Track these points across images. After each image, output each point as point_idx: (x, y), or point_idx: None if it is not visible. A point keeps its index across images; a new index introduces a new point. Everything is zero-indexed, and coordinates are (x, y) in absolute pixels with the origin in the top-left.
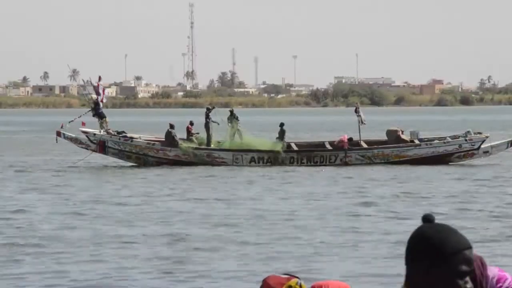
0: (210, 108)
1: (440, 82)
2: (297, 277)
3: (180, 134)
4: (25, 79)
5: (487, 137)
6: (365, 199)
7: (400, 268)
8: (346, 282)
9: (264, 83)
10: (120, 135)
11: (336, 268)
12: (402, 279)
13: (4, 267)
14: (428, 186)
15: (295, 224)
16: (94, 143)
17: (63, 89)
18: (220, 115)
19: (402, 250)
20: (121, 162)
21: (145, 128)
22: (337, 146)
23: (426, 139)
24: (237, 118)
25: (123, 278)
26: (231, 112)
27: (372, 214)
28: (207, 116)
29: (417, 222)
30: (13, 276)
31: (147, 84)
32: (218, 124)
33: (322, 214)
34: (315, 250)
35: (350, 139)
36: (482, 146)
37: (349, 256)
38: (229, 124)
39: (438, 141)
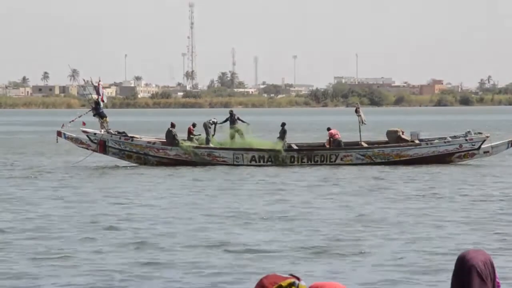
0: (214, 122)
1: (440, 82)
2: (297, 278)
3: (180, 134)
4: (24, 79)
5: (487, 137)
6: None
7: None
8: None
9: (264, 83)
10: (121, 135)
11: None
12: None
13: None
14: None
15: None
16: (94, 142)
17: (63, 89)
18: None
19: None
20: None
21: (145, 128)
22: (335, 141)
23: (426, 140)
24: (238, 118)
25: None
26: (231, 113)
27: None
28: (209, 121)
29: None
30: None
31: (147, 84)
32: (214, 134)
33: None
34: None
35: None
36: (482, 146)
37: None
38: (230, 125)
39: (438, 141)
